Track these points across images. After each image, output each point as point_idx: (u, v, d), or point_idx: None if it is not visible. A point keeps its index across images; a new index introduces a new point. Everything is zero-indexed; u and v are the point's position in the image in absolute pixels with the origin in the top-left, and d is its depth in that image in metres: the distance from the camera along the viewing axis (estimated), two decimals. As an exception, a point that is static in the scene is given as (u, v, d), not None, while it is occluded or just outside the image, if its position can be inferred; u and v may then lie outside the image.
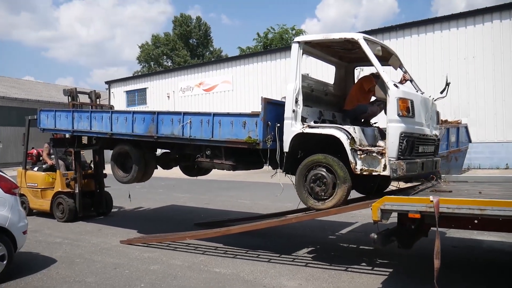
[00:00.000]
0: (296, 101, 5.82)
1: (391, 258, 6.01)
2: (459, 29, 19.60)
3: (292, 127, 5.79)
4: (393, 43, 20.45)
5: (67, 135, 9.35)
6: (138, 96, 31.46)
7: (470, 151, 16.67)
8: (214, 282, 5.17)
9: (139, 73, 47.62)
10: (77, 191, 9.47)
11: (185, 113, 6.82)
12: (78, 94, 10.22)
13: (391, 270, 5.53)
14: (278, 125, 5.94)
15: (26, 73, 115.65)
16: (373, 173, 5.24)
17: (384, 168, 5.12)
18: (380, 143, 5.51)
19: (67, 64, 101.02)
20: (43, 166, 10.35)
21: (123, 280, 5.27)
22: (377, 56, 5.56)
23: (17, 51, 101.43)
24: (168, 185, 16.47)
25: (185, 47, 54.88)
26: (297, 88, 5.85)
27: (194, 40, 56.62)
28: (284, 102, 5.95)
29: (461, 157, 16.36)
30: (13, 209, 5.44)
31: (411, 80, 6.43)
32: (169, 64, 54.55)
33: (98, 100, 10.64)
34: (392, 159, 5.07)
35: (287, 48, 28.27)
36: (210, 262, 6.02)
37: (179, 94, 28.73)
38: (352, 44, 5.88)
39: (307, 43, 6.06)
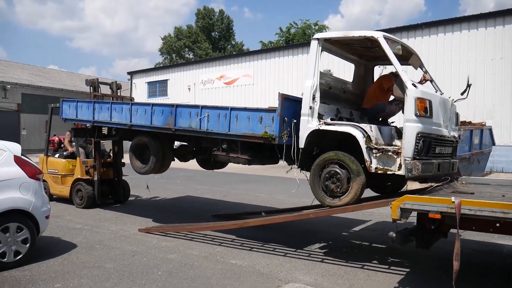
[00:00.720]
0: (314, 98, 5.83)
1: (408, 258, 5.96)
2: (488, 29, 19.11)
3: (308, 124, 5.82)
4: (418, 41, 20.14)
5: (88, 125, 9.53)
6: (159, 87, 31.74)
7: (493, 154, 16.30)
8: (230, 273, 5.21)
9: (161, 65, 48.03)
10: (96, 178, 9.71)
11: (203, 107, 6.92)
12: (100, 85, 10.42)
13: (407, 270, 5.48)
14: (295, 121, 5.96)
15: (51, 62, 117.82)
16: (388, 172, 5.24)
17: (399, 167, 5.12)
18: (397, 142, 5.50)
19: (90, 54, 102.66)
20: (64, 153, 10.60)
21: (141, 268, 5.36)
22: (397, 55, 5.53)
23: (42, 40, 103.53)
24: (186, 177, 16.62)
25: (207, 40, 54.99)
26: (315, 85, 5.87)
27: (216, 33, 56.68)
28: (301, 98, 5.96)
29: (484, 159, 16.05)
30: (37, 194, 5.58)
31: (431, 81, 6.41)
32: (191, 56, 54.82)
33: (119, 91, 10.81)
34: (407, 158, 5.05)
35: (309, 43, 28.15)
36: (227, 253, 6.07)
37: (199, 87, 28.87)
38: (371, 43, 5.85)
39: (326, 40, 6.06)
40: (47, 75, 38.60)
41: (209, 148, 7.33)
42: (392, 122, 6.81)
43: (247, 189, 13.48)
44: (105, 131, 9.77)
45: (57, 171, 10.31)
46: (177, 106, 7.30)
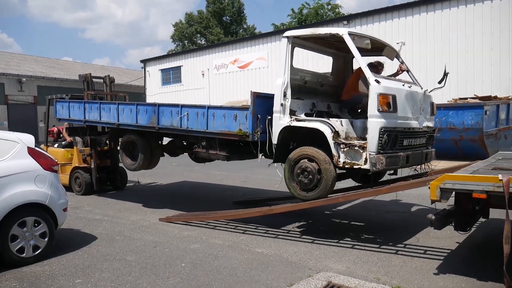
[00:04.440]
0: (285, 95, 5.93)
1: (443, 241, 5.60)
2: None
3: (280, 120, 5.94)
4: (437, 15, 19.32)
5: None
6: (173, 74, 31.40)
7: (521, 128, 15.68)
8: (256, 262, 4.95)
9: (174, 52, 47.68)
10: (93, 166, 9.91)
11: (183, 106, 7.14)
12: (93, 80, 10.56)
13: (445, 254, 5.14)
14: (269, 117, 6.07)
15: (64, 54, 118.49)
16: (355, 166, 5.35)
17: (365, 161, 5.23)
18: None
19: (103, 44, 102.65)
20: (63, 143, 10.96)
21: (163, 259, 5.13)
22: (370, 49, 5.73)
23: (55, 32, 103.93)
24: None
25: (218, 24, 54.38)
26: (286, 82, 5.96)
27: (227, 17, 55.96)
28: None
29: (511, 135, 15.48)
30: (53, 186, 5.38)
31: (408, 71, 6.59)
32: (203, 42, 54.32)
33: (112, 84, 10.90)
34: (372, 153, 5.17)
35: (322, 22, 27.41)
36: (251, 241, 5.81)
37: (213, 72, 28.44)
38: (340, 38, 5.84)
39: (296, 37, 6.21)
40: (61, 66, 38.66)
41: (195, 144, 7.51)
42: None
43: (267, 173, 13.11)
44: (100, 128, 9.76)
45: (56, 160, 10.28)
46: (159, 105, 7.54)
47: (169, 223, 6.95)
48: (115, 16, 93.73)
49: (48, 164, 5.44)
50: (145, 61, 33.27)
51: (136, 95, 34.17)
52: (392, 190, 5.27)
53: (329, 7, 42.65)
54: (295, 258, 5.09)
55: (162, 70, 32.10)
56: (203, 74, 29.04)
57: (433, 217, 4.23)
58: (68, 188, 9.94)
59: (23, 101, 30.12)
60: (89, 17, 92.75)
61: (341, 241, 5.71)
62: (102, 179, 10.33)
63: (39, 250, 5.16)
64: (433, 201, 4.22)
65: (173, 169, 14.34)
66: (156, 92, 31.93)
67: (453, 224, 4.75)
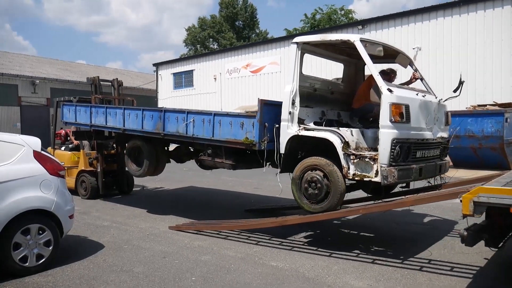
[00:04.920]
0: (293, 103, 5.73)
1: (471, 256, 5.24)
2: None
3: (288, 129, 5.75)
4: (455, 19, 18.88)
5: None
6: (185, 78, 31.28)
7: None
8: (271, 277, 4.65)
9: (186, 56, 47.74)
10: (99, 170, 9.76)
11: (189, 112, 6.96)
12: (101, 83, 10.43)
13: (474, 272, 4.79)
14: (277, 126, 5.88)
15: (78, 57, 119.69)
16: (365, 179, 5.15)
17: (376, 174, 5.02)
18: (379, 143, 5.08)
19: (116, 48, 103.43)
20: (70, 145, 10.81)
21: (172, 272, 4.85)
22: (383, 56, 5.50)
23: (70, 35, 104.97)
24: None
25: (231, 29, 54.37)
26: (294, 90, 5.76)
27: (240, 22, 55.93)
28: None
29: (531, 143, 14.99)
30: (59, 192, 5.14)
31: (422, 79, 6.37)
32: (215, 46, 54.31)
33: (120, 88, 10.77)
34: (383, 165, 4.95)
35: (337, 27, 27.09)
36: (265, 254, 5.51)
37: (225, 76, 28.26)
38: (350, 45, 5.62)
39: (306, 43, 5.99)
40: (75, 69, 38.84)
41: (201, 151, 7.34)
42: None
43: (280, 180, 12.87)
44: (106, 132, 9.59)
45: (63, 163, 10.15)
46: (165, 111, 7.38)
47: (179, 232, 6.68)
48: (129, 20, 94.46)
49: (54, 169, 5.21)
50: (157, 65, 33.25)
51: (148, 99, 34.16)
52: (419, 203, 4.96)
53: (342, 12, 42.41)
54: (312, 273, 4.77)
55: (174, 74, 32.04)
56: (215, 78, 28.88)
57: (465, 233, 3.89)
58: (74, 191, 9.91)
59: (36, 103, 30.24)
60: (104, 21, 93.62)
61: (360, 255, 5.38)
62: (108, 183, 10.20)
63: (43, 259, 4.91)
64: (465, 216, 3.88)
65: (184, 174, 14.11)
66: (168, 96, 31.86)
67: (484, 240, 4.40)
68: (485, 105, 15.02)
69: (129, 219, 7.71)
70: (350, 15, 41.95)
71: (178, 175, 13.78)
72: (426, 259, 5.19)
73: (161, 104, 31.45)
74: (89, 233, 6.70)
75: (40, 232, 4.91)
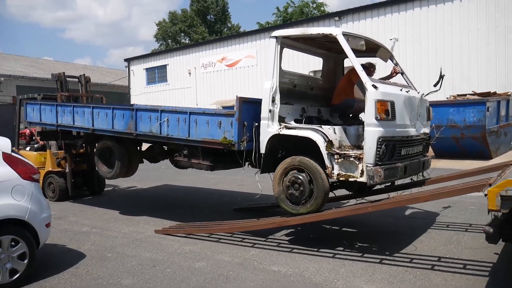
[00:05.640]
0: (273, 100, 5.48)
1: (480, 252, 4.98)
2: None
3: (268, 128, 5.50)
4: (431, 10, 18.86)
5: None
6: (158, 73, 30.44)
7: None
8: (276, 285, 4.26)
9: (158, 51, 46.62)
10: (67, 170, 9.26)
11: (162, 111, 6.59)
12: (68, 79, 9.94)
13: (488, 269, 4.51)
14: (256, 124, 5.62)
15: (45, 54, 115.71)
16: (350, 179, 4.96)
17: (362, 174, 4.83)
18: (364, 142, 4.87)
19: (84, 44, 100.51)
20: (35, 145, 10.18)
21: (166, 283, 4.39)
22: (364, 50, 5.32)
23: (35, 32, 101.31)
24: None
25: (202, 23, 53.51)
26: (274, 86, 5.51)
27: (211, 16, 55.15)
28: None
29: (510, 132, 15.11)
30: (33, 198, 4.58)
31: (402, 73, 6.23)
32: (187, 41, 53.34)
33: (88, 84, 10.25)
34: (369, 165, 4.76)
35: (313, 19, 26.81)
36: (264, 257, 5.10)
37: (200, 71, 27.62)
38: (332, 39, 5.41)
39: (285, 37, 5.77)
40: (42, 66, 37.29)
41: (177, 150, 6.98)
42: None
43: (264, 176, 12.48)
44: (74, 132, 9.00)
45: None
46: (137, 109, 6.95)
47: (166, 236, 6.20)
48: (96, 16, 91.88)
49: (27, 172, 4.64)
50: (129, 60, 32.29)
51: (120, 95, 33.14)
52: (434, 198, 4.63)
53: (314, 5, 42.29)
54: (319, 278, 4.40)
55: (147, 69, 31.18)
56: (189, 73, 28.24)
57: (491, 229, 3.59)
58: (72, 197, 9.44)
59: (1, 101, 28.79)
60: (70, 17, 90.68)
61: (365, 255, 5.04)
62: (78, 183, 9.69)
63: (18, 275, 4.34)
64: (490, 211, 3.58)
65: (162, 172, 13.53)
66: (141, 91, 30.99)
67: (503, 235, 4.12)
68: (465, 95, 15.04)
69: (110, 223, 7.16)
70: (322, 8, 41.86)
71: (155, 174, 13.20)
72: (435, 257, 4.89)
73: (134, 100, 30.52)
74: (67, 240, 6.14)
75: (13, 244, 4.34)
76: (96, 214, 7.98)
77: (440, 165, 12.55)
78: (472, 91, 15.69)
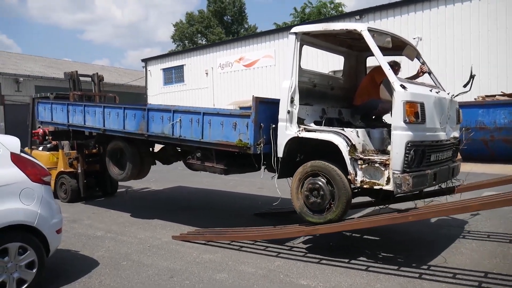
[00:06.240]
0: (292, 101, 5.18)
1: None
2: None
3: (286, 130, 5.19)
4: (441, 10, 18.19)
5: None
6: (175, 73, 30.23)
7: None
8: (306, 302, 3.84)
9: (175, 51, 46.60)
10: (79, 171, 9.06)
11: (175, 111, 6.31)
12: (81, 78, 9.75)
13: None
14: (273, 126, 5.30)
15: (64, 55, 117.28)
16: (375, 187, 4.58)
17: (388, 181, 4.47)
18: (390, 147, 4.49)
19: (102, 46, 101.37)
20: (48, 145, 9.98)
21: (184, 297, 4.02)
22: (389, 48, 4.98)
23: (54, 33, 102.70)
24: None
25: (219, 24, 53.39)
26: (293, 86, 5.21)
27: (228, 17, 55.00)
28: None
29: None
30: (43, 202, 4.25)
31: (430, 73, 5.90)
32: (204, 42, 53.26)
33: (100, 83, 10.04)
34: (396, 172, 4.39)
35: (333, 18, 26.32)
36: (291, 269, 4.69)
37: (217, 71, 27.31)
38: (356, 35, 5.12)
39: (305, 33, 5.42)
40: (60, 66, 37.45)
41: (190, 152, 6.71)
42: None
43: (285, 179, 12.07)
44: (87, 132, 8.77)
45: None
46: (149, 109, 6.71)
47: (184, 242, 5.83)
48: (115, 18, 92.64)
49: (37, 174, 4.32)
50: (146, 60, 32.18)
51: (137, 96, 33.09)
52: (488, 207, 4.14)
53: (332, 5, 41.75)
54: (353, 294, 3.98)
55: (164, 70, 31.02)
56: (206, 73, 27.95)
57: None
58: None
59: (20, 101, 28.95)
60: (89, 19, 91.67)
61: (402, 268, 4.58)
62: (90, 184, 9.46)
63: (25, 285, 4.01)
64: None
65: (179, 174, 13.20)
66: (158, 92, 30.84)
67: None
68: (494, 96, 14.40)
69: (125, 227, 6.84)
70: (340, 9, 41.29)
71: (171, 175, 12.89)
72: (480, 272, 4.42)
73: (150, 101, 30.40)
74: (81, 246, 5.82)
75: (21, 252, 4.01)
76: (111, 217, 7.68)
77: (468, 169, 12.00)
78: (501, 92, 15.02)
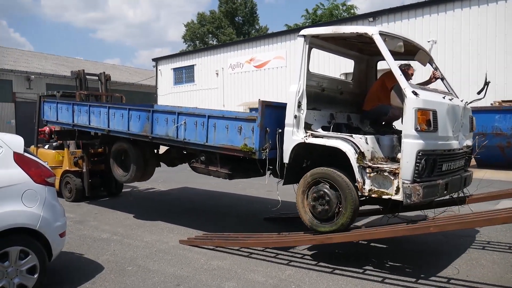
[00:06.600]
0: (299, 105, 5.04)
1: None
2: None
3: (293, 136, 5.05)
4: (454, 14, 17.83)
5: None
6: (185, 73, 30.13)
7: None
8: (319, 317, 3.63)
9: (186, 51, 46.58)
10: (84, 170, 8.97)
11: (180, 113, 6.22)
12: (88, 77, 9.73)
13: None
14: (280, 130, 5.17)
15: (76, 54, 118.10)
16: (384, 196, 4.43)
17: (397, 191, 4.32)
18: (400, 155, 4.45)
19: (113, 45, 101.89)
20: (54, 144, 9.96)
21: (191, 307, 3.83)
22: (401, 52, 4.82)
23: (67, 32, 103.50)
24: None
25: (230, 25, 53.32)
26: (301, 90, 5.07)
27: (240, 17, 54.92)
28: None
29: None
30: (46, 204, 4.09)
31: (442, 79, 5.75)
32: (215, 42, 53.23)
33: (108, 82, 9.95)
34: (406, 181, 4.24)
35: (345, 20, 26.04)
36: (303, 279, 4.48)
37: (228, 71, 27.15)
38: (367, 39, 4.94)
39: (314, 36, 5.28)
40: (72, 64, 37.58)
41: (194, 155, 6.62)
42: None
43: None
44: (92, 131, 8.64)
45: (47, 163, 9.21)
46: (154, 111, 6.64)
47: (192, 247, 5.65)
48: (126, 17, 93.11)
49: (41, 175, 4.16)
50: (157, 60, 32.14)
51: (148, 95, 33.10)
52: None
53: (344, 8, 41.45)
54: (369, 309, 3.76)
55: (175, 69, 30.95)
56: (217, 74, 27.81)
57: None
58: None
59: (31, 99, 29.07)
60: (101, 18, 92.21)
61: (420, 281, 4.35)
62: (95, 184, 9.36)
63: (27, 291, 3.87)
64: None
65: (187, 174, 13.00)
66: (168, 91, 30.78)
67: None
68: (511, 101, 14.06)
69: (132, 230, 6.67)
70: (352, 11, 40.97)
71: (179, 175, 12.71)
72: (504, 287, 4.17)
73: (161, 100, 30.39)
74: (85, 249, 5.66)
75: (22, 256, 3.85)
76: (117, 218, 7.53)
77: (483, 176, 11.70)
78: (518, 97, 14.68)
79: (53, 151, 9.71)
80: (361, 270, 4.67)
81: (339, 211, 4.66)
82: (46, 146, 10.15)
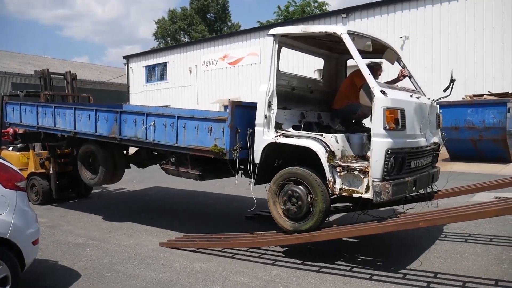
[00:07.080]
0: (270, 105, 5.00)
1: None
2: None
3: (264, 136, 5.02)
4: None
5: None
6: (158, 71, 29.61)
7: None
8: (311, 319, 3.52)
9: (158, 48, 45.87)
10: (51, 171, 8.63)
11: (148, 114, 6.12)
12: (52, 76, 9.36)
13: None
14: (251, 130, 5.13)
15: (42, 52, 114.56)
16: (354, 195, 4.46)
17: (367, 189, 4.36)
18: (370, 153, 4.47)
19: (82, 42, 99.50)
20: (18, 145, 9.53)
21: (176, 314, 3.65)
22: (369, 51, 4.88)
23: (32, 30, 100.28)
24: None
25: (202, 22, 52.84)
26: (271, 90, 5.03)
27: (211, 14, 54.52)
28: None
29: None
30: (17, 210, 3.82)
31: (410, 77, 5.80)
32: (186, 39, 52.64)
33: (74, 82, 9.60)
34: (376, 180, 4.28)
35: (319, 16, 26.07)
36: (289, 279, 4.37)
37: (201, 68, 26.82)
38: (336, 38, 4.94)
39: (284, 35, 5.27)
40: (38, 63, 36.37)
41: (165, 157, 6.48)
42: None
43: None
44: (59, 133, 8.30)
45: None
46: (121, 112, 6.52)
47: (173, 250, 5.45)
48: (95, 14, 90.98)
49: (11, 180, 3.88)
50: (128, 57, 31.48)
51: (119, 94, 32.38)
52: (505, 212, 3.81)
53: (316, 4, 41.66)
54: (361, 308, 3.67)
55: (147, 67, 30.38)
56: (190, 71, 27.46)
57: None
58: (69, 204, 8.77)
59: (-5, 99, 28.03)
60: (68, 15, 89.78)
61: (408, 276, 4.31)
62: (63, 186, 9.02)
63: (-2, 304, 3.62)
64: None
65: (164, 173, 12.75)
66: (140, 90, 30.21)
67: None
68: (482, 95, 14.36)
69: (108, 234, 6.42)
70: (324, 8, 41.21)
71: (157, 175, 12.41)
72: (491, 280, 4.16)
73: (133, 98, 29.80)
74: (60, 255, 5.38)
75: (-8, 266, 3.60)
76: (92, 222, 7.24)
77: (455, 169, 11.93)
78: (488, 91, 15.02)
79: (18, 153, 9.32)
80: (348, 268, 4.60)
81: (311, 210, 4.65)
82: (10, 148, 9.73)
